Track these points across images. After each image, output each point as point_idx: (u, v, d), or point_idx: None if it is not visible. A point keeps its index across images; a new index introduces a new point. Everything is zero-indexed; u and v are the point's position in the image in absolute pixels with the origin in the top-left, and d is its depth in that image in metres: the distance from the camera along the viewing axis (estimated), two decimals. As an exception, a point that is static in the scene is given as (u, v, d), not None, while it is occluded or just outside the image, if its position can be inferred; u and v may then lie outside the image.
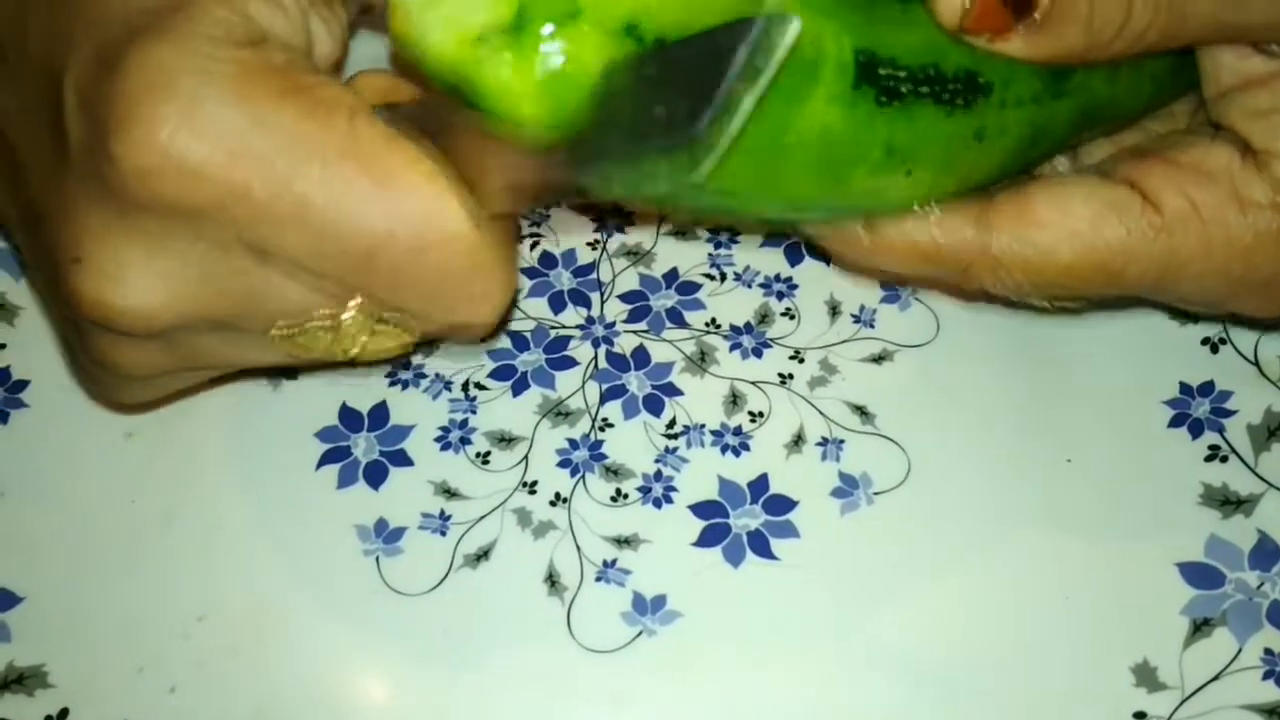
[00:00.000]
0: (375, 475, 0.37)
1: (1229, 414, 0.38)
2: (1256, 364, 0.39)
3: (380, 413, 0.38)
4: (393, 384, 0.39)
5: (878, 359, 0.39)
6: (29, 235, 0.30)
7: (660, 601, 0.35)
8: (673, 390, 0.39)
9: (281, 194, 0.25)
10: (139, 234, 0.26)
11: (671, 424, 0.38)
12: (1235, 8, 0.30)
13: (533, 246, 0.42)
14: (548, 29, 0.25)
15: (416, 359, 0.39)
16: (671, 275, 0.41)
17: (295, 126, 0.25)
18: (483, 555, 0.36)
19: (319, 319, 0.28)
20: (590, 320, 0.40)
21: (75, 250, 0.26)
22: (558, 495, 0.37)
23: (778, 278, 0.41)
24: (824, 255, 0.41)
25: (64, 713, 0.34)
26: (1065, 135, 0.33)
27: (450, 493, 0.37)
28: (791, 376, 0.39)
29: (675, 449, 0.38)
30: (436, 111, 0.27)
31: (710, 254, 0.42)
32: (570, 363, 0.40)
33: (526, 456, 0.38)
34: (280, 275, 0.27)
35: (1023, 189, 0.32)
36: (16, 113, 0.28)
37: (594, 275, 0.41)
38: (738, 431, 0.38)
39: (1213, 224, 0.31)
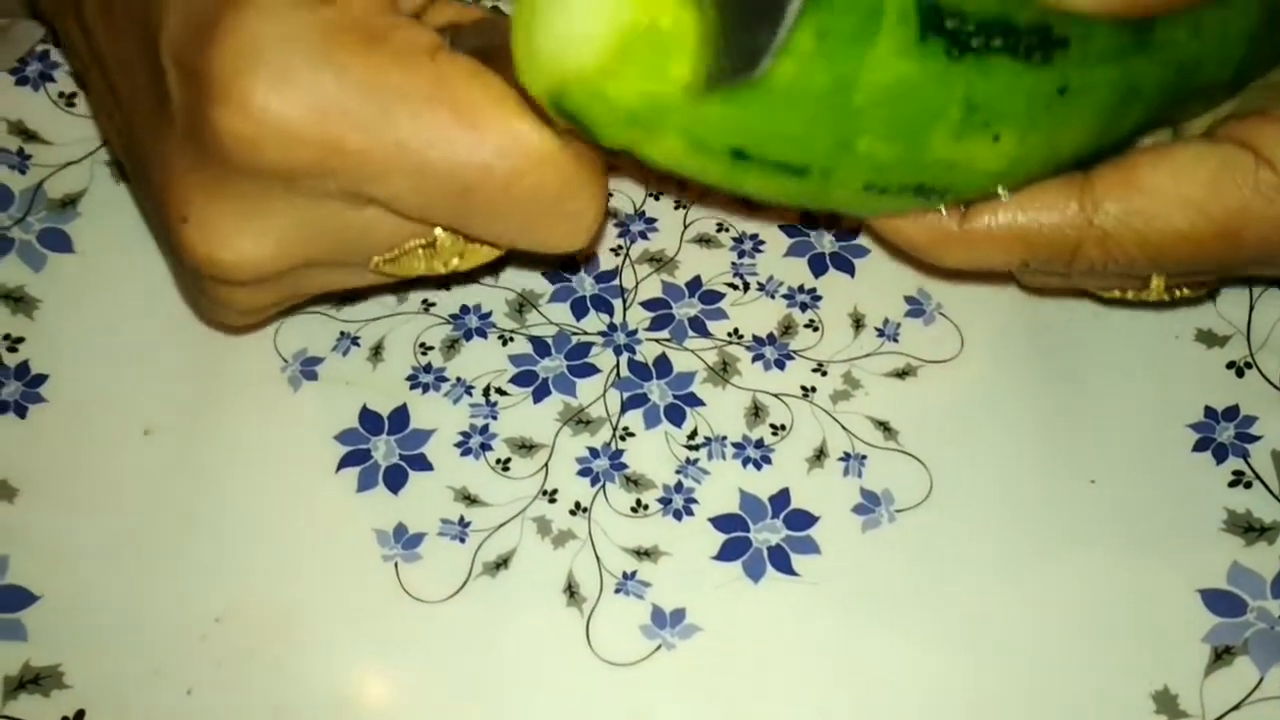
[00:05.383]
0: (395, 479, 0.37)
1: (1254, 439, 0.38)
2: (1282, 389, 0.38)
3: (400, 416, 0.38)
4: (414, 387, 0.39)
5: (901, 374, 0.39)
6: (133, 167, 0.32)
7: (680, 615, 0.35)
8: (694, 400, 0.39)
9: (376, 144, 0.26)
10: (241, 195, 0.27)
11: (693, 435, 0.38)
12: None
13: (556, 251, 0.42)
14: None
15: (437, 362, 0.39)
16: (695, 283, 0.41)
17: (380, 77, 0.26)
18: (502, 563, 0.36)
19: (416, 244, 0.29)
20: (612, 327, 0.40)
21: (183, 210, 0.28)
22: (578, 504, 0.37)
23: (801, 289, 0.41)
24: (848, 266, 0.41)
25: (80, 714, 0.33)
26: (1157, 99, 0.32)
27: (470, 499, 0.37)
28: (814, 389, 0.39)
29: (696, 460, 0.38)
30: (496, 30, 0.28)
31: (734, 263, 0.41)
32: (592, 370, 0.39)
33: (547, 464, 0.38)
34: (377, 213, 0.28)
35: (1126, 157, 0.31)
36: (118, 62, 0.30)
37: (616, 281, 0.41)
38: (759, 444, 0.38)
39: None
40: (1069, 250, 0.31)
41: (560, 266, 0.40)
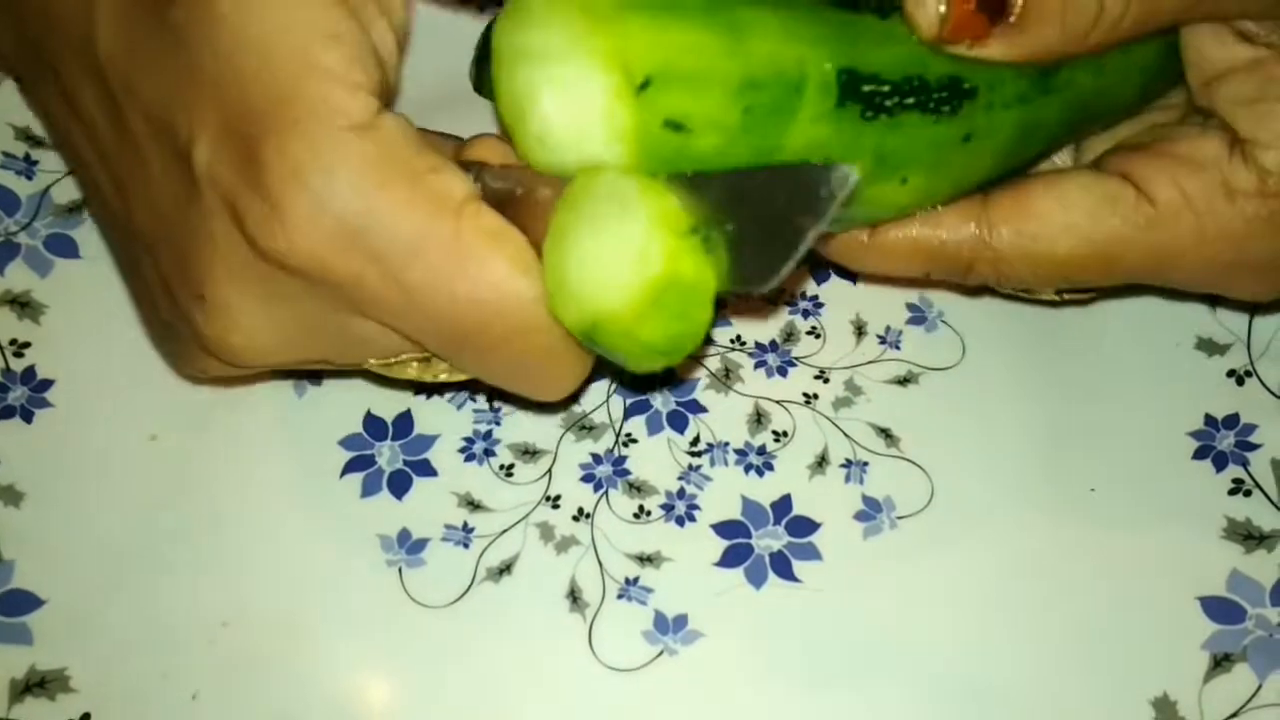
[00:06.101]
0: (399, 485, 0.37)
1: (1253, 448, 0.38)
2: (1282, 398, 0.39)
3: (404, 422, 0.38)
4: (418, 393, 0.39)
5: (903, 381, 0.39)
6: (120, 234, 0.33)
7: (682, 621, 0.36)
8: (697, 407, 0.39)
9: (390, 285, 0.28)
10: (260, 285, 0.29)
11: (695, 441, 0.38)
12: None
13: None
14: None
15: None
16: (698, 290, 0.41)
17: (407, 223, 0.27)
18: (505, 569, 0.36)
19: (410, 357, 0.31)
20: (616, 333, 0.40)
21: (200, 288, 0.29)
22: (581, 510, 0.37)
23: (803, 295, 0.41)
24: (850, 274, 0.41)
25: (85, 717, 0.34)
26: (1058, 132, 0.34)
27: (473, 505, 0.37)
28: (816, 396, 0.39)
29: (699, 467, 0.38)
30: (529, 179, 0.29)
31: (737, 270, 0.42)
32: (594, 376, 0.39)
33: (550, 470, 0.38)
34: (378, 330, 0.29)
35: (1021, 184, 0.33)
36: (122, 149, 0.30)
37: (620, 288, 0.41)
38: (761, 451, 0.38)
39: (1204, 214, 0.32)
40: (965, 265, 0.34)
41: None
